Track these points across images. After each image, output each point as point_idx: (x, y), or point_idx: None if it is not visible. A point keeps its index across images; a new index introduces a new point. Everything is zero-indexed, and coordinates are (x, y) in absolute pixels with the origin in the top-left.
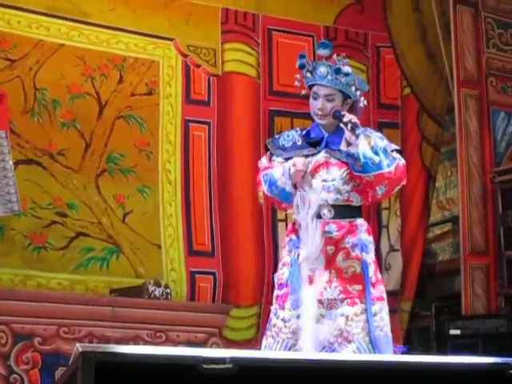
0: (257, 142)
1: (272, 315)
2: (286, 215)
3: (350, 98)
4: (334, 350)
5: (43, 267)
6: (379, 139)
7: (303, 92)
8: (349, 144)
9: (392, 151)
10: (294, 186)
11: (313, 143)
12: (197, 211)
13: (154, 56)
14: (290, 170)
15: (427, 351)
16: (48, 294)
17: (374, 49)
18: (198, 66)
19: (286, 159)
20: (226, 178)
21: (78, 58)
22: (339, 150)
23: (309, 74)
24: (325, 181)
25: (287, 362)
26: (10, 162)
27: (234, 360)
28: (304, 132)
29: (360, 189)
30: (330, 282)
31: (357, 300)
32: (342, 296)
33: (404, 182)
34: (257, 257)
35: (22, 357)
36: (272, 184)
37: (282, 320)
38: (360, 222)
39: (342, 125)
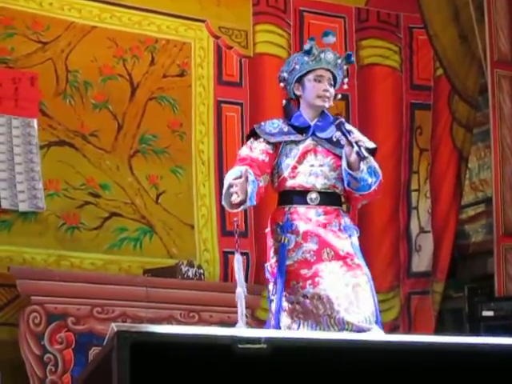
0: None
1: (286, 304)
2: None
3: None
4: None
5: (76, 247)
6: (370, 153)
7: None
8: (349, 162)
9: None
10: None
11: (298, 129)
12: None
13: (185, 38)
14: (229, 190)
15: (460, 333)
16: (81, 274)
17: (407, 30)
18: (230, 48)
19: (275, 144)
20: None
21: (110, 39)
22: (326, 139)
23: (312, 58)
24: (312, 166)
25: (322, 343)
26: (38, 155)
27: (268, 340)
28: (287, 121)
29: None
30: (329, 259)
31: (358, 272)
32: (344, 269)
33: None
34: None
35: (56, 336)
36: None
37: (298, 303)
38: (342, 209)
39: (344, 139)
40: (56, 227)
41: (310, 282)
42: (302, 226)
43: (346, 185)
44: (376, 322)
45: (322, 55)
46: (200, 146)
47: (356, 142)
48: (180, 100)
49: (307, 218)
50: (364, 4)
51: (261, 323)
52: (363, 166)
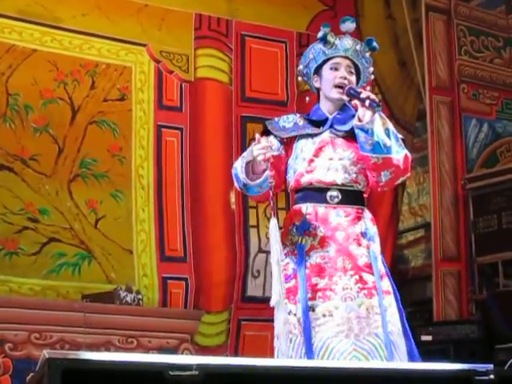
0: (229, 148)
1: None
2: (258, 221)
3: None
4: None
5: (15, 273)
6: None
7: (308, 98)
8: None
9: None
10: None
11: (316, 123)
12: (169, 217)
13: (126, 62)
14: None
15: None
16: (19, 299)
17: None
18: (171, 72)
19: (287, 139)
20: (198, 184)
21: (51, 63)
22: (345, 131)
23: (328, 47)
24: (331, 159)
25: (253, 369)
26: None
27: (200, 367)
28: (304, 116)
29: (366, 172)
30: (344, 269)
31: (373, 291)
32: (358, 286)
33: (409, 175)
34: (228, 262)
35: None
36: (236, 177)
37: (295, 315)
38: (365, 210)
39: (356, 101)
40: None
41: (320, 294)
42: (319, 229)
43: (360, 150)
44: (388, 342)
45: (339, 42)
46: (140, 171)
47: (368, 97)
48: (120, 124)
49: (326, 219)
50: (305, 29)
51: (200, 348)
52: (376, 119)
